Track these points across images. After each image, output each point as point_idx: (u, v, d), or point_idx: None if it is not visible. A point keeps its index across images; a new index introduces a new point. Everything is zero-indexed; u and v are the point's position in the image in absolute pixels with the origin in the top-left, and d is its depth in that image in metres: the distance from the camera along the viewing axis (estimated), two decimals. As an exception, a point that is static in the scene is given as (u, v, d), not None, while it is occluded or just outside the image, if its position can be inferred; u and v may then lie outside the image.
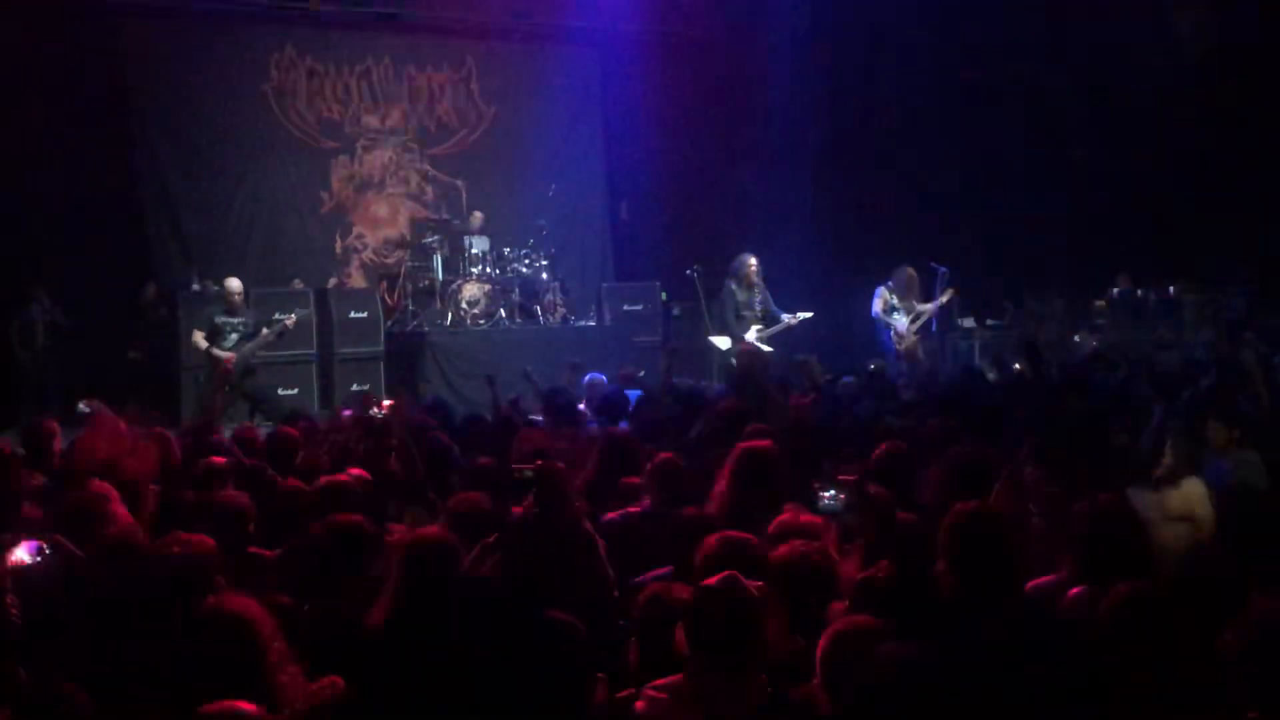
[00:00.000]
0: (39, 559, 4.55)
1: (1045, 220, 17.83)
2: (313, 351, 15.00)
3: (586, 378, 11.46)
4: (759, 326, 14.18)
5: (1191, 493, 5.93)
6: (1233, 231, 16.74)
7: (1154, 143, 17.01)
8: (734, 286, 14.32)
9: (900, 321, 14.90)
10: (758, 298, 14.30)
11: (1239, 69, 16.61)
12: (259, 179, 17.04)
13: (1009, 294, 17.95)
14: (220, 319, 13.08)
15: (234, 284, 13.37)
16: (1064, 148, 17.80)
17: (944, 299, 15.25)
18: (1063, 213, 17.81)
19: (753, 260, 14.29)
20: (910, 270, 15.12)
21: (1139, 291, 17.23)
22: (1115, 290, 17.40)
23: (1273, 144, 16.30)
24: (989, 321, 17.57)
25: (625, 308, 17.21)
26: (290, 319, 13.46)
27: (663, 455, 6.22)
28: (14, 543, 4.58)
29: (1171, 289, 17.10)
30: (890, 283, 15.03)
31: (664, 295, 17.60)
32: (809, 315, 14.58)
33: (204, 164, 16.64)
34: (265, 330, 13.29)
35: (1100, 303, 17.50)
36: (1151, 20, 17.07)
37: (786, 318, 14.30)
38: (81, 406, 10.43)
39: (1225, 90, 16.75)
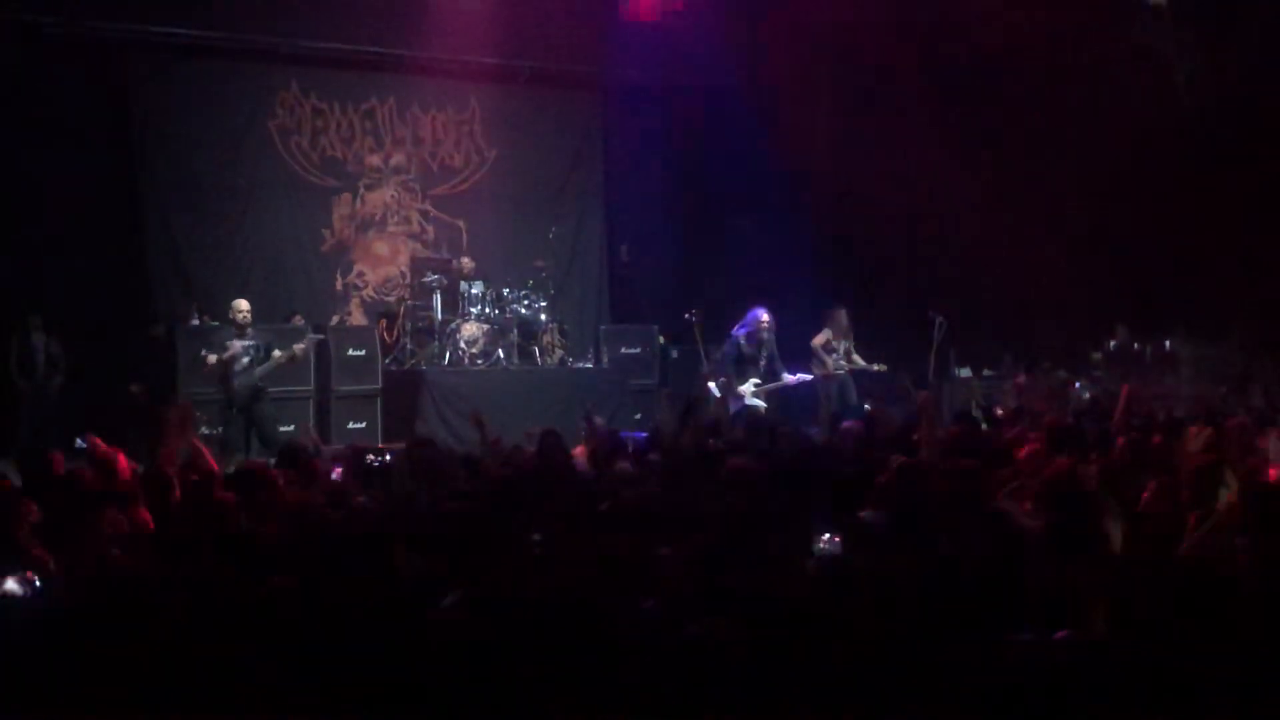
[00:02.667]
0: (27, 590, 4.54)
1: (1043, 272, 17.82)
2: (310, 388, 14.82)
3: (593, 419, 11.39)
4: (757, 381, 14.11)
5: None
6: (1230, 286, 16.76)
7: (1152, 196, 17.04)
8: (742, 339, 14.28)
9: (834, 360, 15.24)
10: (764, 353, 14.26)
11: (1235, 122, 16.67)
12: (261, 215, 16.97)
13: (1006, 344, 17.91)
14: (231, 341, 12.89)
15: (241, 304, 13.19)
16: (1064, 199, 17.81)
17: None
18: (1061, 264, 17.79)
19: (765, 316, 14.28)
20: (842, 312, 15.72)
21: (1136, 344, 17.22)
22: (1113, 342, 17.39)
23: (1270, 198, 16.36)
24: (985, 372, 17.51)
25: (623, 350, 17.21)
26: (301, 346, 13.31)
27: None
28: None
29: (1168, 342, 17.10)
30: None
31: (661, 339, 17.52)
32: (809, 377, 14.63)
33: (206, 199, 16.55)
34: (278, 353, 13.10)
35: (1098, 354, 17.49)
36: (1147, 73, 17.15)
37: (787, 377, 14.29)
38: (79, 442, 10.28)
39: (1222, 144, 16.80)
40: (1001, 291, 17.88)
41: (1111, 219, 17.51)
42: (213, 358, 12.82)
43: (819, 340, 15.47)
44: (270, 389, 13.80)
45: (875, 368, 15.69)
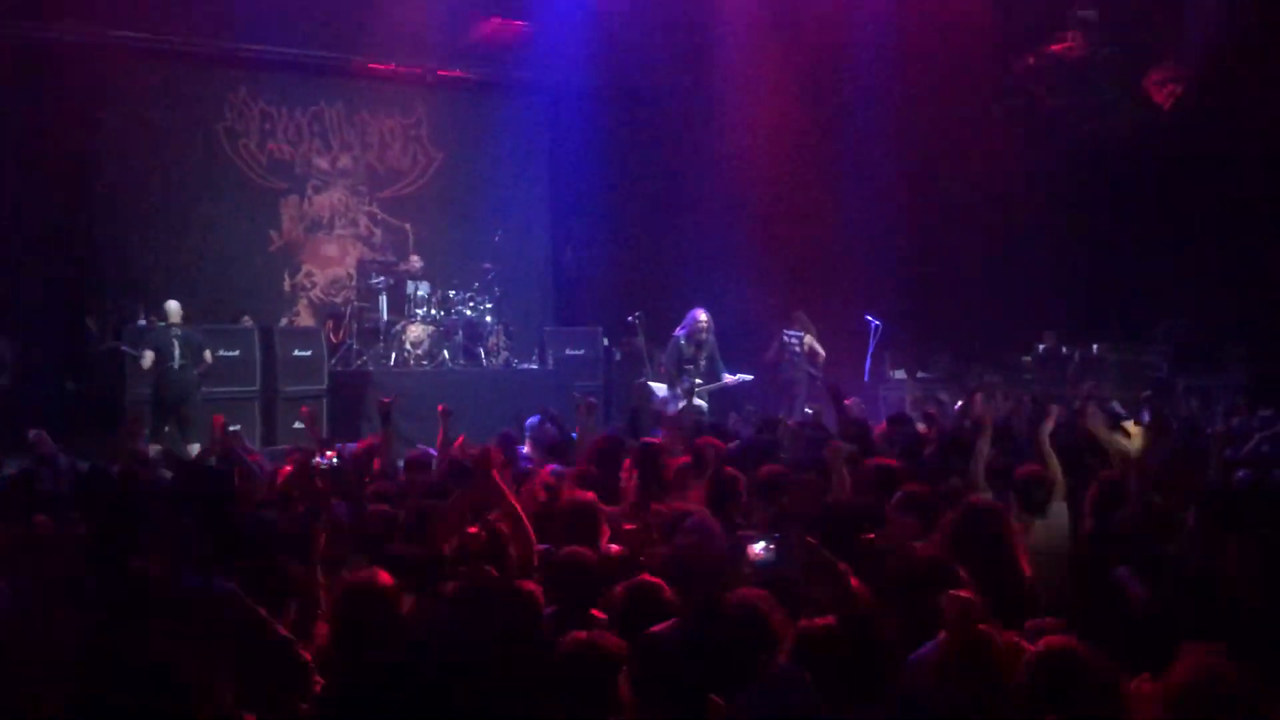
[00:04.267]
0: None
1: (978, 277, 18.08)
2: (255, 389, 14.87)
3: (529, 420, 11.45)
4: (699, 380, 14.26)
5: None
6: (1155, 294, 17.07)
7: (1082, 209, 17.35)
8: (683, 339, 14.41)
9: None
10: (704, 354, 14.39)
11: (1160, 138, 17.00)
12: (210, 216, 16.98)
13: (940, 348, 18.14)
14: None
15: (172, 306, 13.68)
16: (996, 211, 18.06)
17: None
18: (996, 271, 18.06)
19: (704, 316, 14.40)
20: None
21: (1064, 349, 17.46)
22: (1041, 347, 17.62)
23: (1197, 211, 16.69)
24: (919, 374, 17.74)
25: (568, 351, 17.31)
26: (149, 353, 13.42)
27: None
28: None
29: (1095, 347, 17.37)
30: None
31: (605, 341, 17.66)
32: (749, 378, 14.76)
33: (155, 200, 16.54)
34: (208, 354, 13.69)
35: (1027, 358, 17.73)
36: (1076, 93, 17.45)
37: (727, 377, 14.45)
38: (30, 435, 10.36)
39: (1149, 159, 17.11)
40: (935, 297, 18.13)
41: (1044, 231, 17.80)
42: (149, 357, 13.02)
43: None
44: (216, 389, 13.97)
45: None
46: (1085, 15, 17.13)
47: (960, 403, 13.02)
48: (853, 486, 6.64)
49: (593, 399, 13.37)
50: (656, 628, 4.36)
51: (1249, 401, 14.23)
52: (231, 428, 12.48)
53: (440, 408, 8.46)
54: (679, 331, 14.65)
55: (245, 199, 17.34)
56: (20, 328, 14.82)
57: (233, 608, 4.53)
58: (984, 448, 6.80)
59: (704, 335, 14.43)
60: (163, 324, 13.77)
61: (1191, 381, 16.14)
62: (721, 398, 14.73)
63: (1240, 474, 7.80)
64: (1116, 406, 13.37)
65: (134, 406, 12.82)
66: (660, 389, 14.53)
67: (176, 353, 13.40)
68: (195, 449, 10.99)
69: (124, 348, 13.95)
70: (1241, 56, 16.08)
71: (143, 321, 15.05)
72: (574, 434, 10.77)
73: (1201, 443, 9.19)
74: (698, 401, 14.18)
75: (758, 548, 5.02)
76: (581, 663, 3.92)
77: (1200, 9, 15.95)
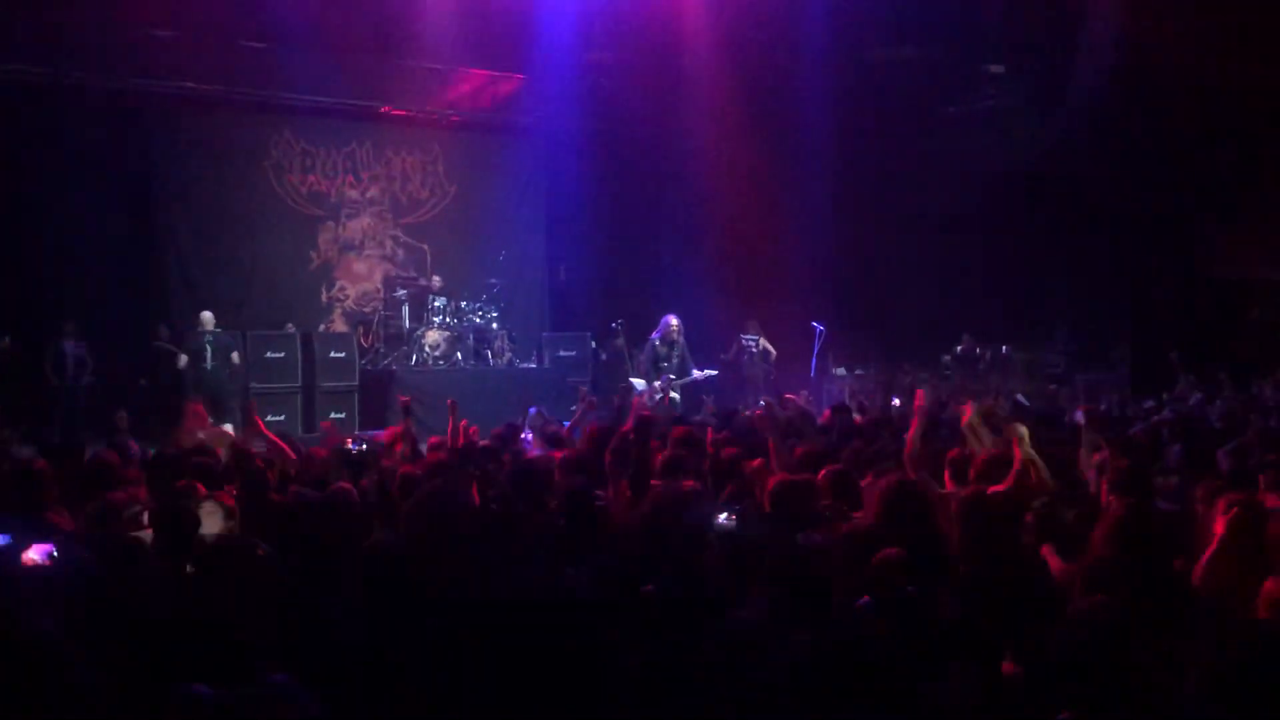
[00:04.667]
0: (49, 561, 4.31)
1: (906, 288, 18.33)
2: (297, 384, 15.10)
3: (531, 410, 11.65)
4: (672, 377, 14.52)
5: None
6: (1055, 303, 17.35)
7: (996, 228, 17.60)
8: (657, 341, 14.67)
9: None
10: (676, 353, 14.64)
11: (1064, 170, 17.26)
12: (258, 240, 16.99)
13: (873, 349, 18.38)
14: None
15: (206, 316, 14.46)
16: (923, 231, 18.30)
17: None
18: (921, 282, 18.29)
19: (675, 321, 14.66)
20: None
21: (978, 349, 17.69)
22: (959, 348, 17.85)
23: (1091, 233, 16.99)
24: (857, 370, 17.98)
25: (561, 353, 17.43)
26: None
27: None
28: (28, 545, 4.35)
29: (1004, 348, 17.61)
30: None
31: (593, 344, 17.79)
32: (714, 372, 15.00)
33: (212, 227, 16.56)
34: (235, 355, 14.49)
35: (947, 357, 17.96)
36: (992, 130, 17.72)
37: (696, 372, 14.69)
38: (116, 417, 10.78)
39: (1052, 186, 17.39)
40: (870, 305, 18.34)
41: (961, 249, 18.04)
42: (183, 358, 13.44)
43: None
44: (265, 386, 14.28)
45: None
46: (994, 69, 17.43)
47: (893, 395, 13.31)
48: (790, 465, 6.82)
49: (586, 388, 13.65)
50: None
51: (1133, 392, 14.57)
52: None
53: (449, 401, 8.62)
54: (654, 335, 14.91)
55: (288, 224, 17.37)
56: (101, 334, 14.92)
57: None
58: (919, 432, 6.73)
59: (675, 337, 14.67)
60: (199, 330, 14.24)
61: (1085, 377, 16.43)
62: (692, 390, 14.95)
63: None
64: (1021, 399, 13.70)
65: (193, 399, 12.95)
66: (639, 384, 14.78)
67: (209, 354, 13.91)
68: (228, 428, 11.18)
69: (163, 345, 14.36)
70: (1125, 103, 16.40)
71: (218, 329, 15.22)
72: (565, 422, 11.06)
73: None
74: (672, 395, 14.43)
75: (722, 517, 4.92)
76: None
77: (1088, 65, 16.24)
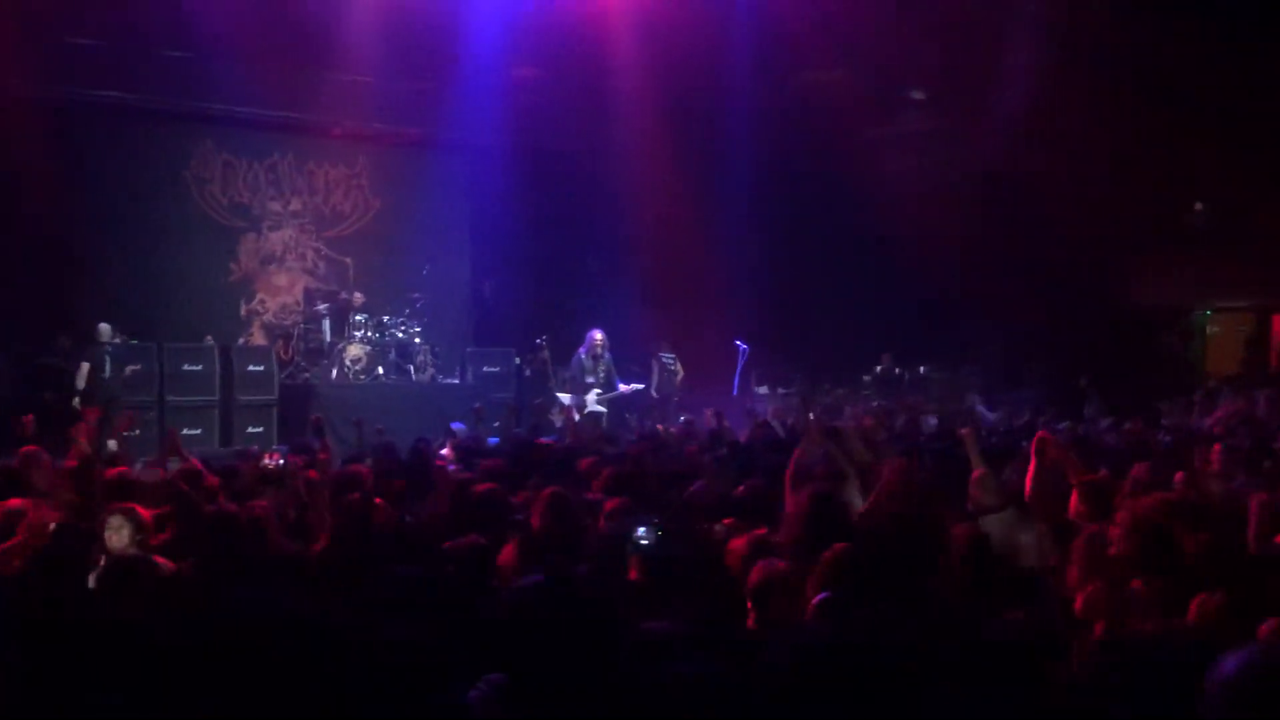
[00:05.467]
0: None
1: (828, 309, 18.59)
2: (215, 398, 14.94)
3: (453, 425, 11.66)
4: (599, 391, 14.62)
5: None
6: (971, 325, 17.70)
7: (914, 250, 17.91)
8: (583, 356, 14.76)
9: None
10: (601, 367, 14.74)
11: (979, 193, 17.66)
12: (177, 250, 16.81)
13: (795, 368, 18.60)
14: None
15: (104, 327, 14.23)
16: (845, 254, 18.59)
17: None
18: (843, 304, 18.57)
19: (599, 335, 14.78)
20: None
21: (898, 370, 17.99)
22: (879, 368, 18.14)
23: (1007, 260, 17.37)
24: (780, 390, 18.18)
25: (485, 369, 17.36)
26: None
27: None
28: None
29: (922, 368, 17.93)
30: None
31: (517, 360, 17.77)
32: (640, 386, 15.12)
33: (131, 236, 16.37)
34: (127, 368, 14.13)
35: (867, 377, 18.24)
36: (912, 153, 18.06)
37: (622, 386, 14.82)
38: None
39: (969, 209, 17.75)
40: (792, 325, 18.57)
41: (882, 271, 18.35)
42: (84, 369, 13.42)
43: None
44: (180, 399, 14.12)
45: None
46: (916, 95, 17.78)
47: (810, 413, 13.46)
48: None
49: (480, 405, 13.61)
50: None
51: (1046, 412, 14.89)
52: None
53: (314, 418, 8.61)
54: (580, 350, 14.99)
55: (208, 235, 17.22)
56: (9, 346, 14.70)
57: None
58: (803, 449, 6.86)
59: (600, 351, 14.79)
60: (99, 341, 14.15)
61: (998, 396, 16.77)
62: (617, 406, 15.05)
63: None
64: (931, 420, 13.97)
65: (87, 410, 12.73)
66: (566, 398, 14.86)
67: (108, 365, 13.74)
68: (112, 445, 10.98)
69: (49, 359, 14.14)
70: (1041, 132, 16.82)
71: (118, 340, 14.98)
72: (492, 439, 11.13)
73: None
74: (598, 408, 14.54)
75: (641, 531, 4.75)
76: None
77: (1007, 93, 16.64)
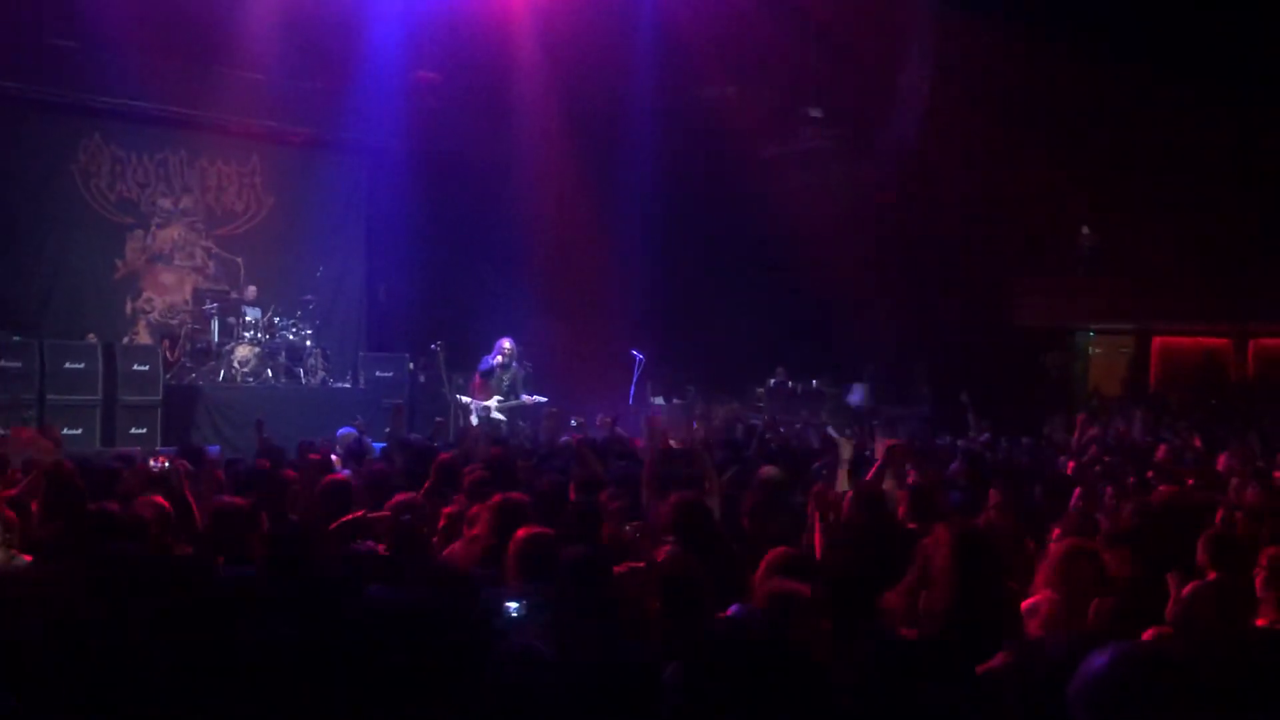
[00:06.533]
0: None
1: (724, 323, 18.83)
2: (97, 397, 14.62)
3: (340, 431, 11.61)
4: (499, 398, 14.64)
5: None
6: (863, 341, 18.09)
7: (808, 268, 18.27)
8: (496, 362, 14.79)
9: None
10: (507, 375, 14.75)
11: (873, 212, 18.07)
12: (62, 245, 16.46)
13: (692, 378, 18.80)
14: None
15: None
16: (741, 268, 18.86)
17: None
18: (739, 318, 18.82)
19: (508, 345, 14.79)
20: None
21: (790, 383, 18.30)
22: (773, 381, 18.42)
23: (899, 278, 17.78)
24: (675, 400, 18.35)
25: (378, 373, 17.24)
26: None
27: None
28: None
29: (815, 382, 18.26)
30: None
31: (411, 365, 17.71)
32: (544, 400, 15.15)
33: (12, 229, 16.00)
34: None
35: (761, 389, 18.52)
36: (810, 171, 18.40)
37: (525, 398, 14.84)
38: None
39: (864, 227, 18.16)
40: (688, 337, 18.79)
41: (777, 286, 18.67)
42: None
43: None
44: (60, 398, 13.85)
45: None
46: (813, 113, 18.13)
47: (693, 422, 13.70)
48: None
49: (400, 402, 13.65)
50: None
51: (933, 430, 15.30)
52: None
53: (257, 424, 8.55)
54: (491, 357, 14.98)
55: (95, 231, 16.85)
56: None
57: None
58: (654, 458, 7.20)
59: (507, 360, 14.82)
60: None
61: (888, 411, 17.17)
62: (517, 415, 15.08)
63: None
64: (830, 430, 14.25)
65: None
66: (466, 401, 14.88)
67: None
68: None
69: None
70: (933, 154, 17.28)
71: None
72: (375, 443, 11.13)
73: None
74: (497, 416, 14.56)
75: (512, 606, 4.35)
76: None
77: (900, 114, 17.08)
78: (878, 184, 17.74)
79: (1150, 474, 9.09)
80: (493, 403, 14.56)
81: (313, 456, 8.73)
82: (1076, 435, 13.38)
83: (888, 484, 7.16)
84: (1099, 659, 2.56)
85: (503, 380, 14.72)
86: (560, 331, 18.09)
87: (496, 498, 5.68)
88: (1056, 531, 6.05)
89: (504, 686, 3.60)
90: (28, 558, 5.38)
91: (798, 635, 3.77)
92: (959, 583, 4.39)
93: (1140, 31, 16.03)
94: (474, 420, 14.39)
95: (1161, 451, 11.05)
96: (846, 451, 8.25)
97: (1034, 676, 3.42)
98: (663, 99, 17.94)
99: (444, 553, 5.80)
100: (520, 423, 14.77)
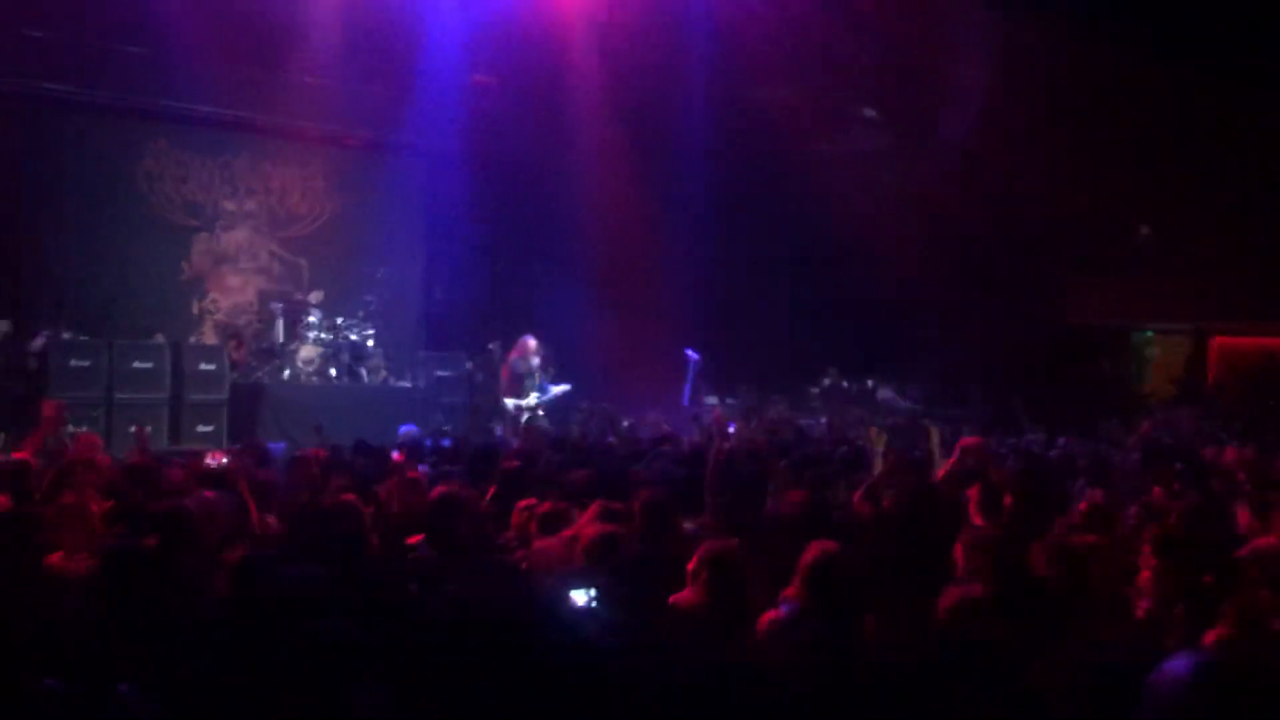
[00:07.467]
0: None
1: (777, 323, 18.84)
2: (164, 395, 14.89)
3: (402, 429, 11.79)
4: (536, 394, 14.82)
5: None
6: (917, 342, 18.00)
7: (860, 267, 18.22)
8: (516, 361, 14.95)
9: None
10: (536, 374, 14.94)
11: (926, 213, 17.99)
12: (129, 248, 16.76)
13: (745, 377, 18.81)
14: None
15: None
16: (797, 269, 18.83)
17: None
18: (792, 318, 18.82)
19: (533, 342, 14.94)
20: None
21: (845, 383, 18.25)
22: (827, 381, 18.39)
23: (953, 279, 17.70)
24: (728, 400, 18.39)
25: (436, 373, 17.40)
26: None
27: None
28: None
29: (869, 382, 18.21)
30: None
31: (468, 365, 17.88)
32: (568, 388, 15.32)
33: (82, 232, 16.33)
34: None
35: (815, 390, 18.49)
36: (863, 170, 18.36)
37: (553, 389, 15.01)
38: None
39: (917, 227, 18.09)
40: (741, 337, 18.78)
41: (831, 287, 18.62)
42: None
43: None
44: (130, 397, 14.15)
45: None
46: (868, 113, 18.08)
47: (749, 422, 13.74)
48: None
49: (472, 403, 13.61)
50: None
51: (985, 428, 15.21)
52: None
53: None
54: (513, 355, 15.17)
55: (161, 234, 17.17)
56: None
57: None
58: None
59: (534, 357, 14.99)
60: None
61: (941, 412, 17.07)
62: (553, 407, 15.26)
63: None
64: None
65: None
66: (511, 404, 15.04)
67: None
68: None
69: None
70: (988, 153, 17.18)
71: (67, 335, 15.01)
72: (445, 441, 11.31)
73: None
74: (539, 414, 14.76)
75: (580, 596, 4.26)
76: None
77: (954, 115, 16.98)
78: (932, 182, 17.66)
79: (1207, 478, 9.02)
80: (531, 400, 14.75)
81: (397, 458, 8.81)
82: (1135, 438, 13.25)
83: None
84: (1178, 665, 2.54)
85: (536, 377, 14.90)
86: (613, 331, 18.17)
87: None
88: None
89: (573, 680, 3.67)
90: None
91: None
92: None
93: (1202, 29, 15.85)
94: (523, 420, 14.60)
95: (1210, 454, 10.95)
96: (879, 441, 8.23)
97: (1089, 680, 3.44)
98: (716, 99, 17.96)
99: (533, 549, 5.85)
100: (571, 421, 14.93)
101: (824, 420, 16.51)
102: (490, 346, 16.89)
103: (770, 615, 4.51)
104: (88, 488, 6.68)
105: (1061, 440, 12.03)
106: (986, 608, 4.13)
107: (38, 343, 14.73)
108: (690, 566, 4.65)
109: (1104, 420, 15.96)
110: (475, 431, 15.47)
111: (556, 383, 15.27)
